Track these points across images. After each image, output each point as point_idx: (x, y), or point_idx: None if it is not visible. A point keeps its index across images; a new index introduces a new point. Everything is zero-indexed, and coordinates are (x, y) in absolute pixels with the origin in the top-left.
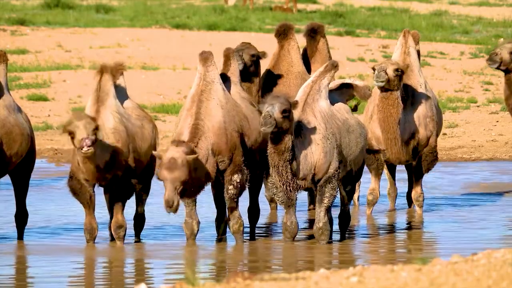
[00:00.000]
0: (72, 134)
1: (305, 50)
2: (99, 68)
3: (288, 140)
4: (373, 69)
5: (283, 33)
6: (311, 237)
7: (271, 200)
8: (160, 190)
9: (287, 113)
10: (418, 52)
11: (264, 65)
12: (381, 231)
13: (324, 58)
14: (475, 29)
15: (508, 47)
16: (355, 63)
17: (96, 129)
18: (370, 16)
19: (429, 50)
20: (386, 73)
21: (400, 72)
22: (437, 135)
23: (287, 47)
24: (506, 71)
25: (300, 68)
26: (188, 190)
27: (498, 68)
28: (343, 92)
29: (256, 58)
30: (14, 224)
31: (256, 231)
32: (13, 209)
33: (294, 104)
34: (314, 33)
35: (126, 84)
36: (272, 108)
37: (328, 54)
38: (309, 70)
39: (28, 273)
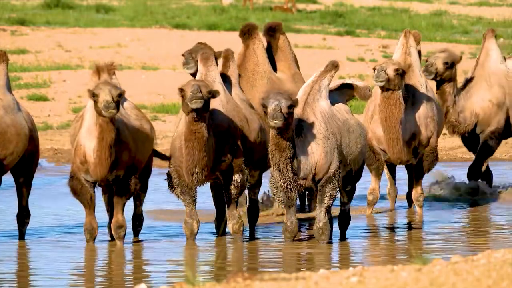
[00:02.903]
0: (96, 97)
1: (268, 50)
2: (95, 69)
3: (290, 136)
4: (374, 69)
5: (247, 33)
6: (311, 237)
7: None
8: (158, 190)
9: (292, 108)
10: (419, 52)
11: None
12: (381, 231)
13: (286, 55)
14: (475, 29)
15: (442, 57)
16: (355, 63)
17: (120, 96)
18: (370, 16)
19: (429, 50)
20: (386, 73)
21: (401, 72)
22: (437, 135)
23: (252, 46)
24: (440, 82)
25: (266, 67)
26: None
27: (433, 79)
28: (343, 92)
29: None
30: (16, 224)
31: (256, 231)
32: (15, 208)
33: (295, 102)
34: (273, 32)
35: (126, 84)
36: (279, 102)
37: (290, 51)
38: (274, 68)
39: (29, 273)
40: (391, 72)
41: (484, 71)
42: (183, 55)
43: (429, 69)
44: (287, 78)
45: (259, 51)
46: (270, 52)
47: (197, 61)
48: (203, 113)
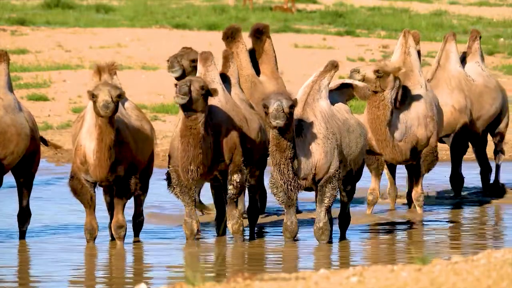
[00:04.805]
0: (95, 98)
1: (251, 51)
2: (96, 69)
3: (290, 137)
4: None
5: (230, 36)
6: (311, 237)
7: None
8: (157, 191)
9: (293, 108)
10: (419, 52)
11: None
12: (381, 231)
13: (270, 59)
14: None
15: (374, 65)
16: (355, 63)
17: (120, 96)
18: (370, 16)
19: (429, 50)
20: (362, 74)
21: (381, 74)
22: (437, 135)
23: (236, 50)
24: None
25: (249, 71)
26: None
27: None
28: (343, 92)
29: (197, 63)
30: (16, 224)
31: (256, 231)
32: (15, 208)
33: (295, 102)
34: (259, 34)
35: (126, 84)
36: (281, 103)
37: (274, 54)
38: (257, 71)
39: (29, 273)
40: (369, 74)
41: (445, 74)
42: (168, 60)
43: (353, 75)
44: (270, 82)
45: (243, 54)
46: (254, 54)
47: (182, 65)
48: (196, 109)
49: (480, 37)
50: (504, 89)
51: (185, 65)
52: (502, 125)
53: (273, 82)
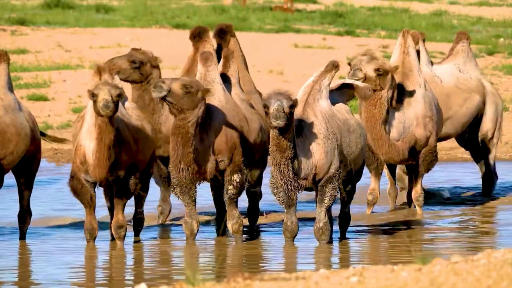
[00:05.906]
0: (95, 97)
1: (218, 52)
2: (96, 69)
3: (290, 137)
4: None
5: (198, 36)
6: (311, 237)
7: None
8: (157, 191)
9: (293, 108)
10: (418, 52)
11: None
12: (381, 231)
13: (237, 57)
14: (475, 29)
15: (374, 63)
16: None
17: (119, 96)
18: (370, 16)
19: (429, 50)
20: (363, 72)
21: (382, 72)
22: (437, 135)
23: (202, 50)
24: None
25: None
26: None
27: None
28: (343, 92)
29: (139, 64)
30: (17, 224)
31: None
32: (15, 208)
33: (295, 102)
34: (223, 34)
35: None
36: (281, 103)
37: (241, 53)
38: None
39: (29, 273)
40: (370, 72)
41: None
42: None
43: (356, 73)
44: (236, 82)
45: None
46: (221, 55)
47: (120, 66)
48: (181, 107)
49: (468, 39)
50: (492, 92)
51: (124, 67)
52: (485, 127)
53: (238, 83)
